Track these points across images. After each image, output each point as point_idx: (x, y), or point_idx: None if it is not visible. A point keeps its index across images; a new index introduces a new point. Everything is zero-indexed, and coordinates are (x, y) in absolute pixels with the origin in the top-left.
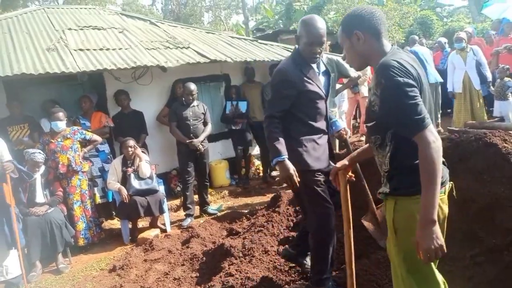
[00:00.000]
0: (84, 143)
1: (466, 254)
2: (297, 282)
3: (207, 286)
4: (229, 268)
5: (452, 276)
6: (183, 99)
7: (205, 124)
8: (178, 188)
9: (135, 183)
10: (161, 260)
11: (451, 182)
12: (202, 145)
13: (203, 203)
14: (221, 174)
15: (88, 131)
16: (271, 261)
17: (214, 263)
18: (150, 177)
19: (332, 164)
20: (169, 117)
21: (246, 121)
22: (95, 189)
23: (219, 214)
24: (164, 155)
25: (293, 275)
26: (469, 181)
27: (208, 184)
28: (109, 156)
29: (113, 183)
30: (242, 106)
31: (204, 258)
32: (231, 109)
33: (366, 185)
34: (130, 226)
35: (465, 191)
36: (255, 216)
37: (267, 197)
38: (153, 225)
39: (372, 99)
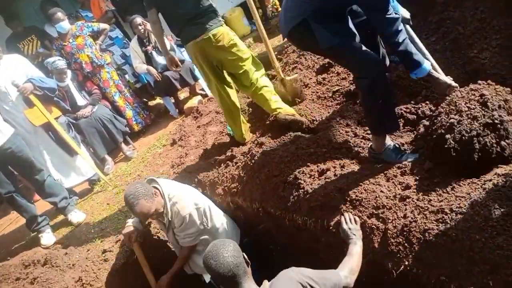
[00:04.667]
0: (95, 35)
1: None
2: (344, 104)
3: (261, 131)
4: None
5: None
6: None
7: None
8: None
9: (160, 59)
10: (212, 122)
11: None
12: None
13: None
14: (239, 23)
15: (93, 22)
16: (313, 92)
17: (261, 111)
18: (171, 49)
19: None
20: None
21: None
22: (126, 76)
23: None
24: None
25: (338, 99)
26: None
27: None
28: (124, 41)
29: (140, 65)
30: None
31: (251, 110)
32: None
33: None
34: (172, 100)
35: None
36: (285, 55)
37: None
38: (193, 93)
39: None
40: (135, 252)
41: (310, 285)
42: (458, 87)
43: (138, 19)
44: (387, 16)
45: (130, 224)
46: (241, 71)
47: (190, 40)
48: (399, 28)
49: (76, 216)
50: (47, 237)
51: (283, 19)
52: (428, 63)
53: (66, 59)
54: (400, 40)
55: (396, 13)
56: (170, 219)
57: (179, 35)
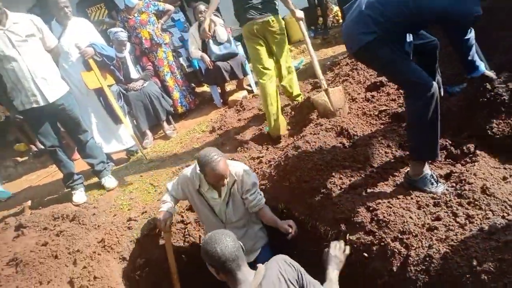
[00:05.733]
0: (159, 14)
1: None
2: (388, 124)
3: (300, 136)
4: (317, 119)
5: None
6: None
7: None
8: None
9: (215, 49)
10: (253, 119)
11: None
12: None
13: None
14: (297, 27)
15: (159, 1)
16: (359, 107)
17: (303, 115)
18: (228, 41)
19: None
20: None
21: None
22: (180, 59)
23: (301, 68)
24: None
25: (383, 119)
26: None
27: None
28: (185, 25)
29: (195, 51)
30: None
31: (293, 113)
32: None
33: None
34: (219, 90)
35: None
36: (338, 66)
37: None
38: (240, 87)
39: None
40: (164, 238)
41: (301, 273)
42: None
43: (202, 7)
44: (466, 37)
45: (165, 208)
46: (282, 55)
47: (250, 20)
48: (472, 43)
49: (110, 181)
50: (79, 195)
51: (351, 32)
52: (483, 65)
53: (128, 32)
54: (470, 51)
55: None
56: (230, 187)
57: (240, 18)
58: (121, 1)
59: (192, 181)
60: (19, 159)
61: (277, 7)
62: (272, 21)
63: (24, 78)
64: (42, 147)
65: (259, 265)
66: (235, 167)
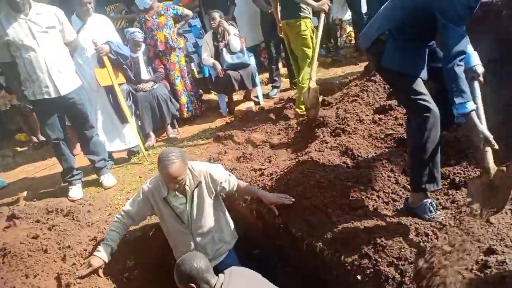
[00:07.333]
0: (177, 18)
1: None
2: (393, 149)
3: (305, 152)
4: (323, 136)
5: None
6: None
7: None
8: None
9: (228, 57)
10: (258, 130)
11: None
12: None
13: (292, 76)
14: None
15: (179, 5)
16: (366, 129)
17: (309, 132)
18: (241, 51)
19: None
20: None
21: None
22: (192, 64)
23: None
24: (252, 28)
25: (388, 142)
26: None
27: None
28: (201, 31)
29: (208, 58)
30: None
31: (299, 128)
32: None
33: None
34: (226, 99)
35: None
36: (347, 86)
37: (360, 67)
38: (247, 97)
39: None
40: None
41: None
42: (496, 146)
43: (215, 14)
44: (456, 28)
45: (102, 252)
46: (300, 57)
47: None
48: (460, 49)
49: (108, 179)
50: (76, 191)
51: (366, 31)
52: (473, 105)
53: (144, 33)
54: (456, 62)
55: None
56: (193, 189)
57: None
58: (141, 2)
59: (159, 189)
60: (19, 149)
61: (300, 12)
62: (291, 23)
63: (40, 69)
64: (43, 138)
65: (220, 275)
66: (198, 167)
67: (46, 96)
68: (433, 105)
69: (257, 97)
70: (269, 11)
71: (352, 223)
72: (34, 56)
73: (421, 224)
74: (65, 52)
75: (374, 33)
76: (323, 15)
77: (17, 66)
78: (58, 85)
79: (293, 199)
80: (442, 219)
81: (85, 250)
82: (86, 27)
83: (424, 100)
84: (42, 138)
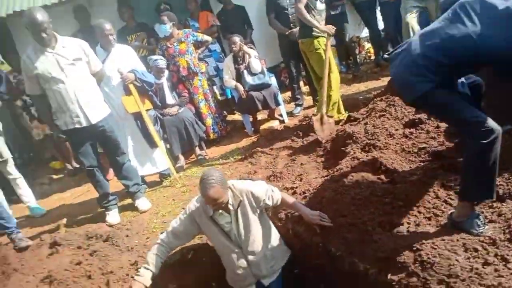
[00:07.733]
0: (197, 44)
1: None
2: (428, 163)
3: (336, 169)
4: (354, 153)
5: None
6: None
7: None
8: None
9: (249, 79)
10: (285, 148)
11: None
12: None
13: (314, 93)
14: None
15: (198, 32)
16: (397, 143)
17: (338, 148)
18: (262, 72)
19: None
20: (267, 9)
21: (344, 2)
22: (214, 87)
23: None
24: (270, 49)
25: (422, 156)
26: None
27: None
28: (221, 55)
29: (229, 80)
30: None
31: (327, 145)
32: None
33: None
34: (251, 119)
35: None
36: (372, 101)
37: (382, 81)
38: (271, 116)
39: None
40: None
41: None
42: None
43: (235, 38)
44: None
45: (142, 277)
46: (318, 73)
47: (299, 39)
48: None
49: (143, 203)
50: (113, 216)
51: (406, 81)
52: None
53: (167, 59)
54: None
55: None
56: (236, 209)
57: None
58: (161, 31)
59: (205, 209)
60: (54, 176)
61: (310, 32)
62: (305, 42)
63: (70, 100)
64: (77, 165)
65: None
66: (239, 186)
67: (77, 126)
68: (489, 119)
69: (281, 115)
70: (286, 33)
71: (395, 241)
72: (63, 88)
73: (468, 239)
74: (92, 82)
75: (418, 86)
76: (329, 38)
77: (48, 98)
78: (88, 114)
79: (331, 223)
80: (491, 233)
81: (127, 275)
82: (110, 57)
83: (484, 118)
84: (76, 165)
